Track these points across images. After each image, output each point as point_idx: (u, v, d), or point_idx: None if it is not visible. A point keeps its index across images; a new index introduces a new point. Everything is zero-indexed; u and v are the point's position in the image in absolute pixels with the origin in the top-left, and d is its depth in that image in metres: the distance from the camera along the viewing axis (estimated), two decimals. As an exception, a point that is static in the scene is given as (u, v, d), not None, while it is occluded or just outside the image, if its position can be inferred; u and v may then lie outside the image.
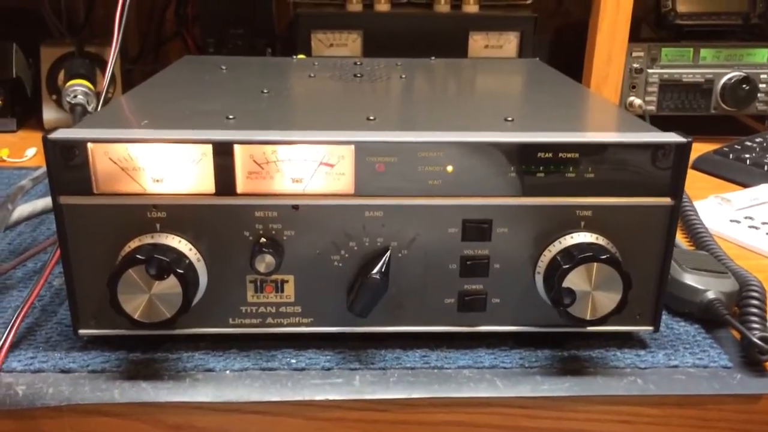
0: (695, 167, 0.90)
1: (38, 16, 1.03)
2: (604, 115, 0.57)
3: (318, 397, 0.45)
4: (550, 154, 0.45)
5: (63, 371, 0.46)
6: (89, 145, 0.44)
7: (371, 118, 0.49)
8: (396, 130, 0.47)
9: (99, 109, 0.69)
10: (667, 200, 0.47)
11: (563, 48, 1.15)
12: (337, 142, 0.44)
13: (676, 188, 0.46)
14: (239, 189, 0.45)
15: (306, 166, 0.45)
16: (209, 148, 0.44)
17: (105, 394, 0.45)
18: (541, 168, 0.46)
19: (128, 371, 0.46)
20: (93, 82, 0.94)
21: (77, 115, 0.88)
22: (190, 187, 0.45)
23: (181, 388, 0.45)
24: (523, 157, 0.45)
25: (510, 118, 0.50)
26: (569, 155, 0.45)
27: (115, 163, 0.44)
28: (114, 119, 0.50)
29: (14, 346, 0.48)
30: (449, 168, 0.45)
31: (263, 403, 0.45)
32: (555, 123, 0.51)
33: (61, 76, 0.97)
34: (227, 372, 0.47)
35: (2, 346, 0.46)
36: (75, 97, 0.90)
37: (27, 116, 1.04)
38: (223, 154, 0.44)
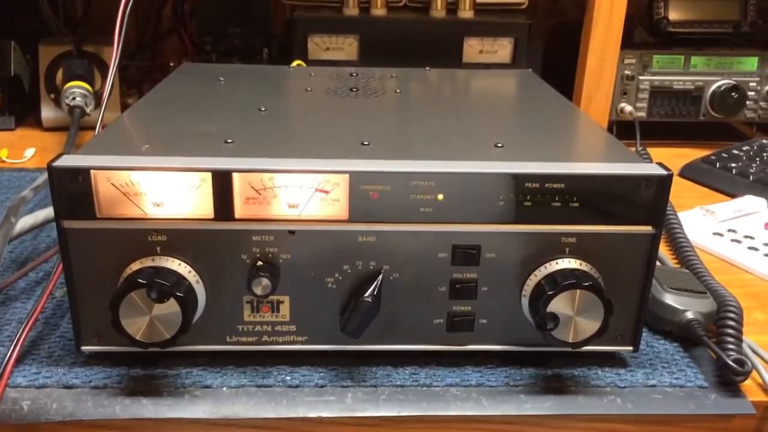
0: (682, 175, 0.92)
1: (36, 13, 1.04)
2: (590, 141, 0.59)
3: (312, 414, 0.47)
4: (537, 184, 0.47)
5: (66, 387, 0.48)
6: (92, 171, 0.45)
7: (365, 143, 0.51)
8: (389, 157, 0.48)
9: (101, 111, 0.69)
10: (648, 228, 0.48)
11: (558, 48, 1.16)
12: (332, 171, 0.46)
13: (657, 217, 0.48)
14: (237, 214, 0.47)
15: (302, 192, 0.47)
16: (208, 175, 0.46)
17: (107, 410, 0.47)
18: (528, 197, 0.47)
19: (129, 387, 0.48)
20: (91, 82, 0.95)
21: (75, 117, 0.89)
22: (189, 211, 0.47)
23: (180, 404, 0.47)
24: (512, 186, 0.47)
25: (500, 144, 0.52)
26: (556, 185, 0.47)
27: (117, 188, 0.46)
28: (116, 143, 0.51)
29: (18, 361, 0.49)
30: (440, 196, 0.47)
31: (259, 420, 0.47)
32: (543, 150, 0.53)
33: (60, 75, 0.98)
34: (224, 389, 0.48)
35: (8, 361, 0.47)
36: (73, 99, 0.91)
37: (25, 114, 1.05)
38: (221, 181, 0.46)
